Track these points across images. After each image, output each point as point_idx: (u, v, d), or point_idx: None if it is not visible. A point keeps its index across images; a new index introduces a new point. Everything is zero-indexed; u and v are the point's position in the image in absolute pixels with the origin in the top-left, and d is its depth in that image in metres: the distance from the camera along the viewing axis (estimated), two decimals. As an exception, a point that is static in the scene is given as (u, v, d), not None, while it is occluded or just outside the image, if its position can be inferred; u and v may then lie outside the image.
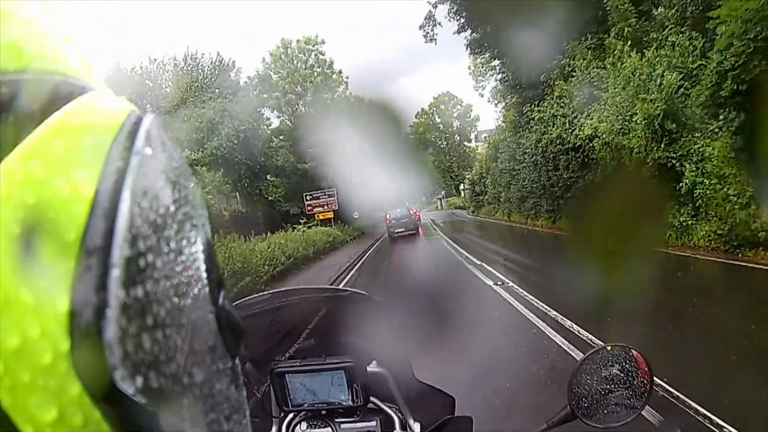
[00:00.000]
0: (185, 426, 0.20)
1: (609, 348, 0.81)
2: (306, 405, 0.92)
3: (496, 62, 20.47)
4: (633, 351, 0.81)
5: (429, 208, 51.48)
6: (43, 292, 0.16)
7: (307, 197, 20.83)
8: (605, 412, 0.79)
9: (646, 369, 0.79)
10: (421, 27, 21.73)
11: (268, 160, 20.73)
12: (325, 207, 21.12)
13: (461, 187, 45.57)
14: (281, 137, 23.27)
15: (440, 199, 51.42)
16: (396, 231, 18.59)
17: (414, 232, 18.52)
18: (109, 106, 0.21)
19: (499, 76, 20.98)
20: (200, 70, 20.75)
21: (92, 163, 0.19)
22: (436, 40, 21.78)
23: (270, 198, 20.33)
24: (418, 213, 21.45)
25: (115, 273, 0.17)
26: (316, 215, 20.28)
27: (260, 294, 1.01)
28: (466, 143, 47.36)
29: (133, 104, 0.22)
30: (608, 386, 0.80)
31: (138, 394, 0.17)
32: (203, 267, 0.23)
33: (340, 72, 26.83)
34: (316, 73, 26.25)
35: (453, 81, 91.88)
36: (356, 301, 1.02)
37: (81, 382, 0.16)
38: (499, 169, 20.80)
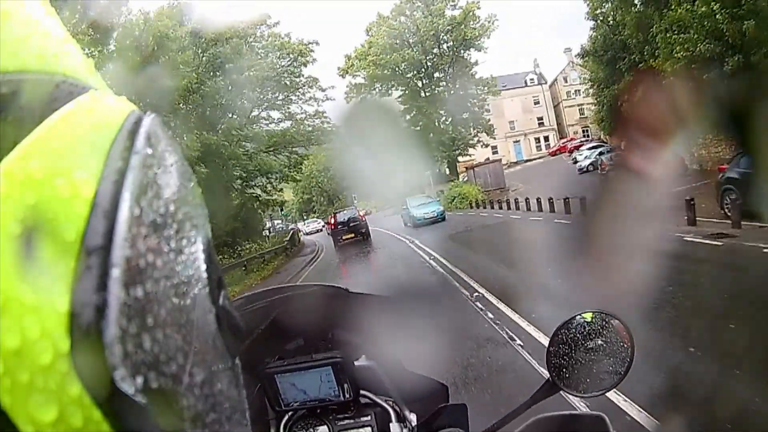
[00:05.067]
0: (185, 426, 0.20)
1: (585, 315, 0.79)
2: (298, 404, 0.93)
3: None
4: (610, 317, 0.79)
5: (390, 209, 21.26)
6: (43, 292, 0.16)
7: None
8: (588, 380, 0.78)
9: (626, 335, 0.78)
10: None
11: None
12: None
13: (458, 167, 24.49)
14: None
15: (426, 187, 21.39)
16: (344, 238, 15.34)
17: (363, 237, 15.48)
18: (109, 105, 0.22)
19: None
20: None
21: (92, 162, 0.19)
22: None
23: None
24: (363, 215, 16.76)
25: (115, 273, 0.17)
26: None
27: (239, 297, 0.99)
28: (466, 81, 23.10)
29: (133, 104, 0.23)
30: (588, 355, 0.78)
31: (138, 394, 0.17)
32: (203, 267, 0.23)
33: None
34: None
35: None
36: (335, 295, 1.01)
37: (81, 382, 0.16)
38: None
